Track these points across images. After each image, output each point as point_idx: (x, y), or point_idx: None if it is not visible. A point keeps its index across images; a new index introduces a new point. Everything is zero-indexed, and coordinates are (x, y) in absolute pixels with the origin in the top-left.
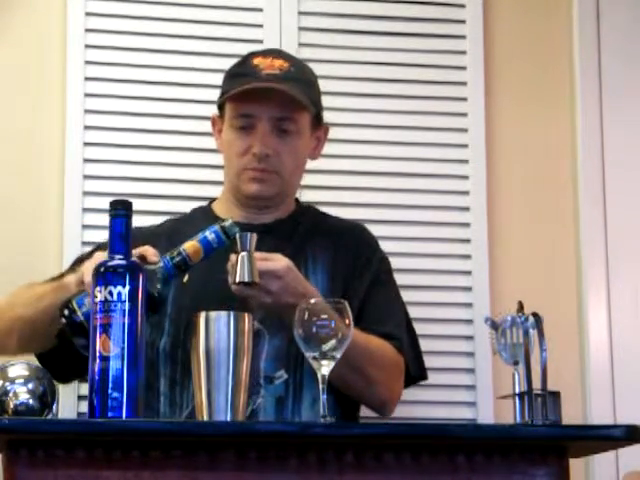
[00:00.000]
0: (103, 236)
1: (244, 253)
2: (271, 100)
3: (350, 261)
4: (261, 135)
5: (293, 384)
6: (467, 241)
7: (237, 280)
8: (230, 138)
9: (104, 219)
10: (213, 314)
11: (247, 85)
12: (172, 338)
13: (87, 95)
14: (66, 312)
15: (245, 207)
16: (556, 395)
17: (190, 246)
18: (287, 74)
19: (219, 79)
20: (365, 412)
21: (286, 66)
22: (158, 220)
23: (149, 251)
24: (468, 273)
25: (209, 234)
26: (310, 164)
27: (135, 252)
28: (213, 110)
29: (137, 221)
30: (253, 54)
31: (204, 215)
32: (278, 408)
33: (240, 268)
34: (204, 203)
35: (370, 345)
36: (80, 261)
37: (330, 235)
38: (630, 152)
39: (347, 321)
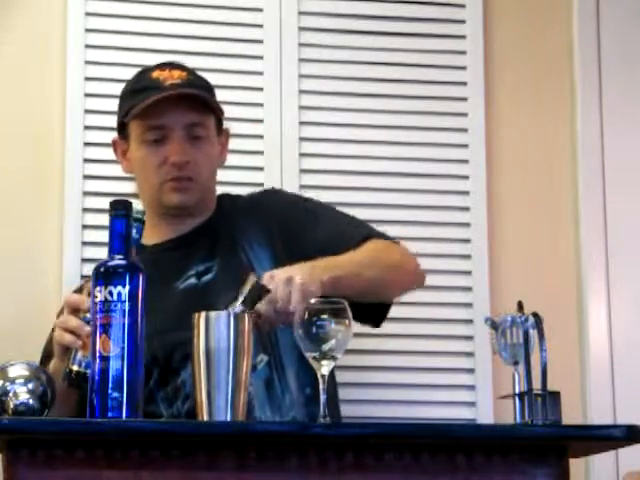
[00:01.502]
0: (103, 236)
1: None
2: (181, 108)
3: (274, 225)
4: (177, 144)
5: (274, 364)
6: (467, 241)
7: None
8: (142, 154)
9: (104, 219)
10: (213, 314)
11: (156, 95)
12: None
13: (87, 95)
14: (72, 376)
15: (167, 219)
16: (556, 395)
17: None
18: (189, 82)
19: (219, 79)
20: (365, 412)
21: (184, 75)
22: None
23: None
24: (468, 273)
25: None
26: (310, 164)
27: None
28: None
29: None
30: (148, 69)
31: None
32: (269, 390)
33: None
34: None
35: (362, 259)
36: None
37: (248, 214)
38: (630, 151)
39: (347, 321)
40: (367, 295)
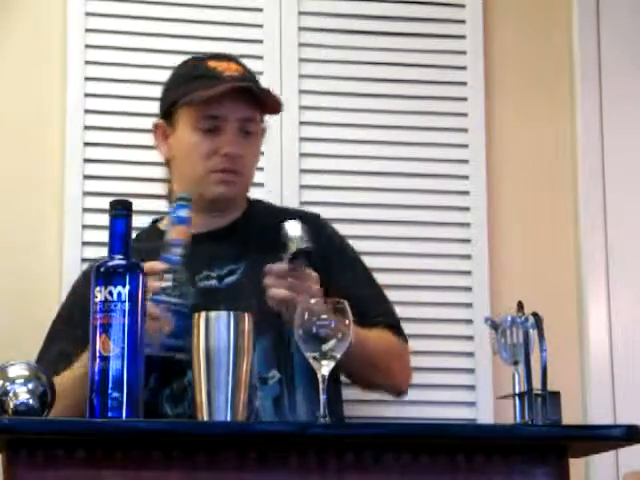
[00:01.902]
0: (103, 236)
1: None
2: (238, 101)
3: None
4: (231, 136)
5: (286, 382)
6: (467, 241)
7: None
8: (194, 140)
9: (104, 219)
10: (213, 314)
11: (222, 85)
12: None
13: (87, 95)
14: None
15: (200, 211)
16: (556, 395)
17: (175, 232)
18: (245, 76)
19: None
20: (365, 412)
21: (241, 69)
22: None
23: (155, 265)
24: (468, 273)
25: (178, 213)
26: (311, 164)
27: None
28: None
29: (137, 221)
30: (200, 58)
31: (153, 234)
32: (276, 408)
33: None
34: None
35: (377, 342)
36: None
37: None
38: (630, 150)
39: (347, 321)
40: (354, 369)
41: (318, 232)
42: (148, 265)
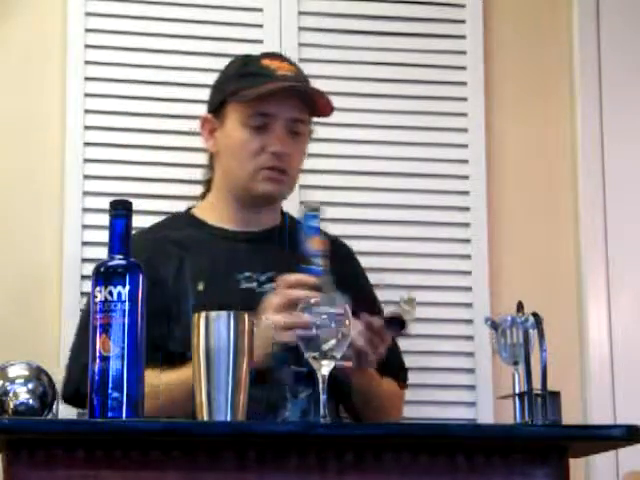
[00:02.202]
0: (103, 236)
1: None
2: (289, 100)
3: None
4: (279, 134)
5: (315, 399)
6: (467, 241)
7: None
8: (243, 137)
9: (104, 219)
10: (213, 314)
11: (275, 84)
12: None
13: (87, 95)
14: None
15: (242, 207)
16: (556, 395)
17: (312, 243)
18: (297, 77)
19: None
20: None
21: (293, 68)
22: (158, 220)
23: (305, 278)
24: (468, 273)
25: (310, 223)
26: (310, 164)
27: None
28: None
29: (137, 221)
30: (253, 56)
31: (189, 222)
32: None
33: None
34: (174, 212)
35: (386, 391)
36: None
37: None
38: (630, 152)
39: (347, 321)
40: (358, 404)
41: (351, 263)
42: (297, 277)
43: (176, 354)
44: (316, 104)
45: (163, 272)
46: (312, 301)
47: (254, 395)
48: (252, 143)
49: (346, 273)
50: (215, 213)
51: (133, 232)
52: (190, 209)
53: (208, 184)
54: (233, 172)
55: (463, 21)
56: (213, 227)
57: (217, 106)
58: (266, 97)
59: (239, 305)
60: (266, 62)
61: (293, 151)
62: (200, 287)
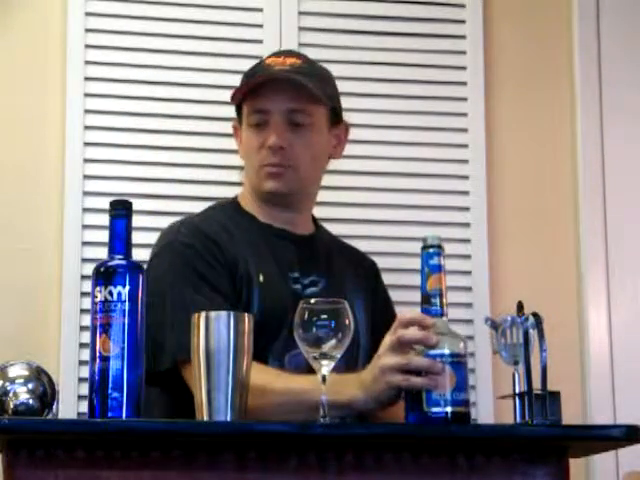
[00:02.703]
0: (103, 236)
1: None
2: (281, 93)
3: (369, 295)
4: (274, 129)
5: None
6: (467, 241)
7: None
8: (247, 136)
9: (104, 219)
10: (213, 314)
11: (255, 80)
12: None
13: (87, 95)
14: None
15: (267, 205)
16: (556, 395)
17: (432, 282)
18: (298, 69)
19: (219, 79)
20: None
21: (298, 62)
22: (158, 220)
23: (424, 319)
24: (468, 273)
25: (431, 261)
26: None
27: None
28: (214, 110)
29: (137, 221)
30: (268, 56)
31: (239, 214)
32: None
33: None
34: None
35: None
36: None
37: (353, 264)
38: (630, 151)
39: (347, 321)
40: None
41: (377, 280)
42: (412, 315)
43: None
44: (310, 93)
45: (235, 255)
46: (428, 343)
47: None
48: (253, 141)
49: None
50: (256, 208)
51: (184, 218)
52: (236, 198)
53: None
54: (247, 172)
55: (463, 21)
56: (261, 223)
57: (237, 111)
58: (259, 93)
59: (290, 307)
60: (270, 60)
61: (294, 143)
62: (261, 279)
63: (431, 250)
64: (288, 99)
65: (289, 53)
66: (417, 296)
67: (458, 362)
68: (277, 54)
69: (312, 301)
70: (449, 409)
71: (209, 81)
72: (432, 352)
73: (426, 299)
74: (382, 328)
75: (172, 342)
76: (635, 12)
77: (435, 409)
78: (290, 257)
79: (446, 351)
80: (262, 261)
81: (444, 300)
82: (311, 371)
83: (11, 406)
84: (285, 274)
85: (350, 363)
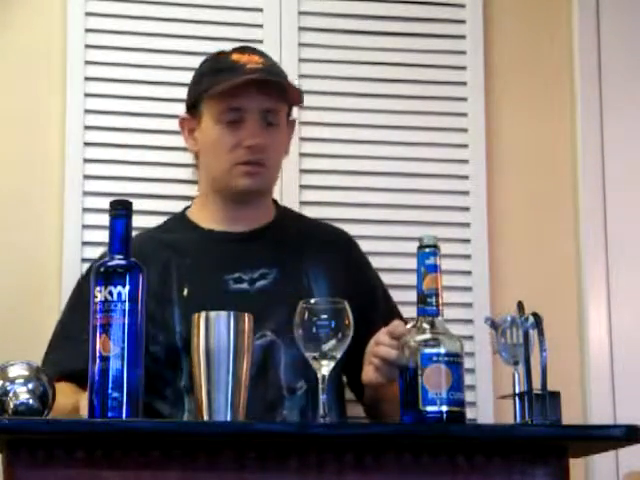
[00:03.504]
0: (103, 236)
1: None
2: (260, 92)
3: (341, 272)
4: (253, 127)
5: (312, 394)
6: (467, 241)
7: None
8: (217, 133)
9: (104, 219)
10: (213, 314)
11: (241, 77)
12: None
13: (87, 95)
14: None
15: (229, 205)
16: (556, 395)
17: (428, 282)
18: (269, 68)
19: None
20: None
21: (263, 61)
22: (158, 220)
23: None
24: (468, 273)
25: (427, 261)
26: (311, 164)
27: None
28: None
29: (137, 221)
30: (225, 52)
31: (182, 224)
32: (302, 420)
33: None
34: (174, 212)
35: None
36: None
37: (317, 243)
38: (630, 150)
39: (347, 321)
40: (385, 399)
41: (351, 252)
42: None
43: (156, 356)
44: (288, 94)
45: (148, 276)
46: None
47: (251, 394)
48: (227, 139)
49: (357, 278)
50: (206, 214)
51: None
52: (186, 210)
53: (199, 185)
54: (212, 170)
55: (463, 21)
56: (204, 229)
57: (192, 105)
58: (236, 91)
59: (229, 308)
60: (236, 57)
61: (269, 143)
62: (184, 292)
63: (427, 250)
64: (265, 99)
65: (251, 50)
66: (415, 296)
67: (454, 362)
68: (239, 50)
69: (312, 301)
70: (445, 408)
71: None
72: (428, 352)
73: (422, 299)
74: (356, 298)
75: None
76: (635, 11)
77: (431, 408)
78: (230, 259)
79: (442, 350)
80: (191, 272)
81: (440, 300)
82: (263, 366)
83: (11, 406)
84: (220, 278)
85: None
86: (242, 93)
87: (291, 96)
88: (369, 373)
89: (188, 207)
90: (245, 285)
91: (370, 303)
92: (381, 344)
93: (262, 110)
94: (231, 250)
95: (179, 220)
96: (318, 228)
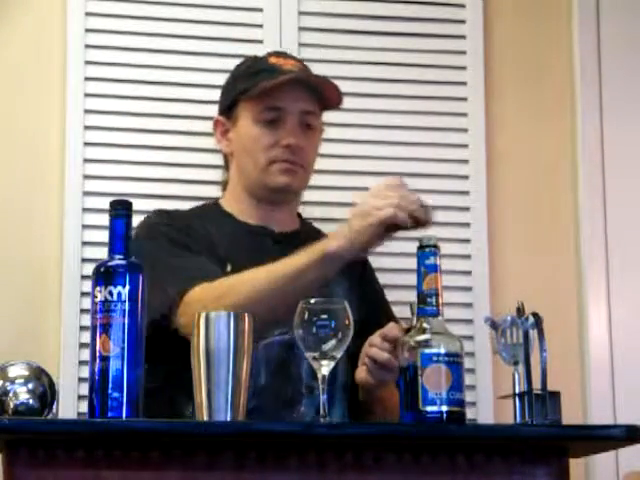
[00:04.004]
0: (103, 236)
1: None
2: (299, 94)
3: (356, 289)
4: (292, 127)
5: (330, 395)
6: (467, 241)
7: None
8: (255, 133)
9: (104, 219)
10: (213, 314)
11: (283, 77)
12: None
13: (87, 95)
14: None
15: (263, 205)
16: (556, 395)
17: (428, 282)
18: (307, 71)
19: (219, 79)
20: None
21: (299, 64)
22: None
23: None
24: (468, 273)
25: (427, 261)
26: None
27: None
28: (214, 110)
29: (137, 221)
30: (260, 57)
31: (216, 212)
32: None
33: None
34: (207, 201)
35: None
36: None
37: None
38: (630, 150)
39: (347, 321)
40: (375, 402)
41: (364, 269)
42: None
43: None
44: (324, 96)
45: (198, 246)
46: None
47: (270, 389)
48: (265, 137)
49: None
50: (241, 207)
51: (156, 210)
52: (218, 200)
53: (225, 185)
54: (248, 168)
55: (463, 21)
56: (238, 220)
57: (228, 107)
58: (275, 91)
59: None
60: (273, 60)
61: (306, 145)
62: (228, 268)
63: (427, 250)
64: (304, 100)
65: (286, 54)
66: (415, 296)
67: (454, 362)
68: (275, 54)
69: (312, 301)
70: (445, 408)
71: (209, 81)
72: (428, 352)
73: (422, 299)
74: (369, 314)
75: (172, 279)
76: (635, 12)
77: (431, 408)
78: (267, 253)
79: (442, 350)
80: (232, 255)
81: (440, 300)
82: (283, 363)
83: (11, 406)
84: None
85: None
86: (282, 93)
87: (331, 97)
88: (361, 373)
89: (218, 199)
90: None
91: (375, 315)
92: (374, 346)
93: (301, 111)
94: (266, 244)
95: (212, 209)
96: None
